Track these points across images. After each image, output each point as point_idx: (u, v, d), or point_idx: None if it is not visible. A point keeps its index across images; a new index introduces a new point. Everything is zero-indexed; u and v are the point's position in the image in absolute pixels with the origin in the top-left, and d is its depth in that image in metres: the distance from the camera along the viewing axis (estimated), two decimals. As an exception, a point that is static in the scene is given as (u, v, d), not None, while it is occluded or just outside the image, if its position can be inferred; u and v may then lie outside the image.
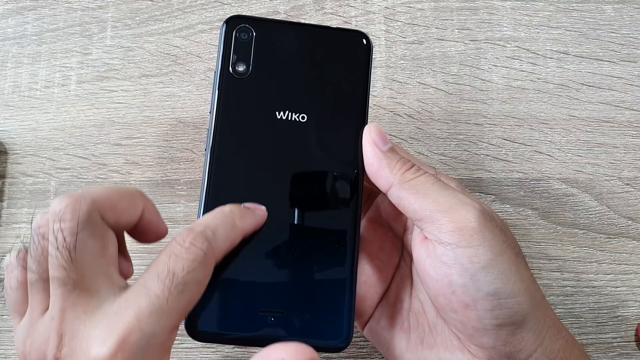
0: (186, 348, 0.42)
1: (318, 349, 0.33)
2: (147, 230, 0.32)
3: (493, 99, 0.47)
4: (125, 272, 0.32)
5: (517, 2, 0.49)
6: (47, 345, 0.27)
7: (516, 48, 0.48)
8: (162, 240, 0.33)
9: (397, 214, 0.36)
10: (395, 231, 0.38)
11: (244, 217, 0.31)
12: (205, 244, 0.29)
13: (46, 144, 0.46)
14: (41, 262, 0.28)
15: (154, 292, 0.27)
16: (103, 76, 0.47)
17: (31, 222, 0.29)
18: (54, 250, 0.27)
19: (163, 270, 0.27)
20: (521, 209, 0.45)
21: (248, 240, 0.32)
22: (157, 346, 0.27)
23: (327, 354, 0.41)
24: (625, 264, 0.44)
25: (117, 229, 0.30)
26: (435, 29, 0.49)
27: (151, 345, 0.27)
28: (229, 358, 0.42)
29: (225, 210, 0.31)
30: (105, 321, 0.27)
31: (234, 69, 0.34)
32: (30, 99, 0.47)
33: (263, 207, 0.33)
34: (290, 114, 0.34)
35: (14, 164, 0.45)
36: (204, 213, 0.32)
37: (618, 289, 0.44)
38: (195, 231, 0.29)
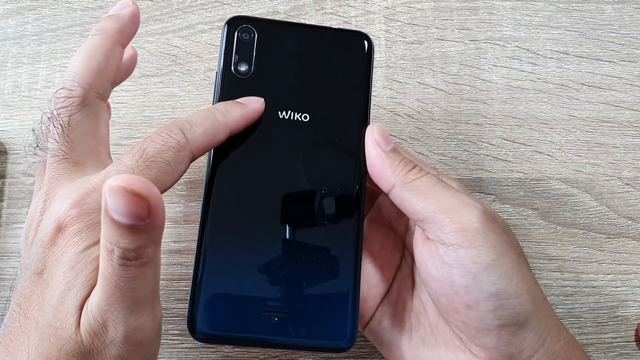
0: (186, 348, 0.42)
1: (322, 349, 0.33)
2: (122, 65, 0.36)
3: (493, 99, 0.47)
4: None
5: (517, 2, 0.49)
6: (36, 210, 0.30)
7: (516, 48, 0.48)
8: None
9: (399, 214, 0.36)
10: (396, 231, 0.38)
11: (228, 112, 0.32)
12: (179, 134, 0.30)
13: (46, 144, 0.45)
14: (44, 142, 0.32)
15: (124, 163, 0.29)
16: (103, 76, 0.47)
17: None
18: (52, 127, 0.31)
19: (137, 148, 0.30)
20: (521, 209, 0.45)
21: (251, 241, 0.32)
22: None
23: (327, 354, 0.41)
24: (625, 264, 0.44)
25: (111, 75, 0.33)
26: (435, 29, 0.49)
27: None
28: (229, 358, 0.42)
29: (209, 107, 0.33)
30: (77, 184, 0.29)
31: (235, 69, 0.34)
32: (30, 99, 0.47)
33: (257, 99, 0.34)
34: (292, 113, 0.34)
35: (14, 164, 0.45)
36: (207, 214, 0.32)
37: (618, 289, 0.44)
38: (175, 123, 0.31)
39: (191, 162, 0.31)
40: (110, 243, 0.25)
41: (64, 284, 0.27)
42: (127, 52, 0.37)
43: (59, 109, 0.31)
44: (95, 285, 0.27)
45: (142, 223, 0.25)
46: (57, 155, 0.31)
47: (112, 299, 0.26)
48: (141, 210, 0.24)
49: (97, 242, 0.28)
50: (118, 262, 0.26)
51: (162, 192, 0.29)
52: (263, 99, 0.34)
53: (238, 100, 0.33)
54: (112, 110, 0.46)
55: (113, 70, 0.33)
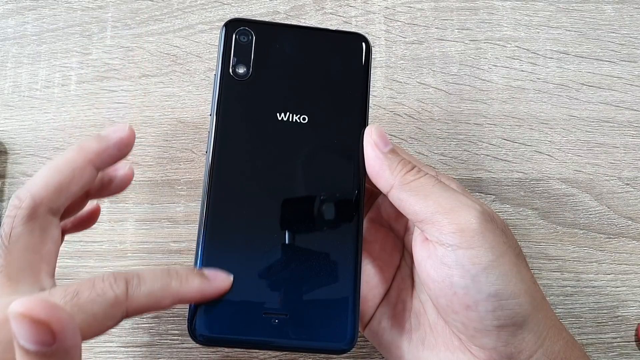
0: (186, 348, 0.42)
1: (322, 351, 0.33)
2: (110, 181, 0.35)
3: (493, 99, 0.47)
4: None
5: (517, 2, 0.49)
6: None
7: (516, 48, 0.48)
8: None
9: (398, 215, 0.36)
10: (396, 232, 0.38)
11: (186, 281, 0.30)
12: (122, 287, 0.28)
13: (46, 144, 0.46)
14: None
15: (53, 297, 0.27)
16: (103, 76, 0.47)
17: None
18: None
19: (72, 289, 0.27)
20: (521, 209, 0.45)
21: (251, 243, 0.32)
22: None
23: (327, 356, 0.41)
24: (625, 264, 0.44)
25: (75, 201, 0.32)
26: (435, 29, 0.49)
27: None
28: (229, 358, 0.42)
29: (169, 270, 0.30)
30: None
31: (234, 71, 0.34)
32: (30, 99, 0.47)
33: (225, 277, 0.31)
34: (291, 115, 0.34)
35: (14, 164, 0.45)
36: (206, 216, 0.32)
37: (618, 289, 0.44)
38: (123, 274, 0.28)
39: (123, 319, 0.28)
40: None
41: None
42: (123, 169, 0.36)
43: (5, 218, 0.30)
44: None
45: (49, 348, 0.23)
46: None
47: None
48: (45, 337, 0.23)
49: None
50: None
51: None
52: (232, 277, 0.31)
53: (205, 271, 0.31)
54: (112, 110, 0.46)
55: (77, 188, 0.31)
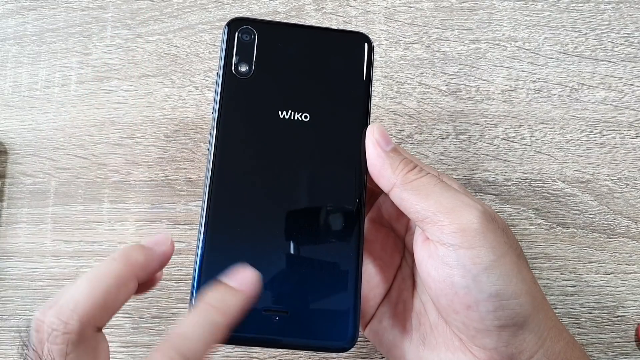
0: (187, 348, 0.42)
1: (322, 349, 0.33)
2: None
3: (493, 99, 0.47)
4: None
5: (517, 2, 0.49)
6: None
7: (516, 48, 0.48)
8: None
9: (399, 215, 0.36)
10: (397, 231, 0.38)
11: (226, 307, 0.29)
12: None
13: (46, 144, 0.45)
14: None
15: None
16: (103, 76, 0.47)
17: (29, 322, 0.28)
18: None
19: None
20: (521, 209, 0.45)
21: (252, 241, 0.32)
22: None
23: (327, 354, 0.41)
24: (625, 264, 0.44)
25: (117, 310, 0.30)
26: (435, 29, 0.49)
27: None
28: (229, 358, 0.42)
29: (205, 307, 0.29)
30: None
31: (236, 69, 0.34)
32: (30, 99, 0.47)
33: (250, 276, 0.31)
34: (293, 113, 0.34)
35: (14, 164, 0.45)
36: (206, 217, 0.32)
37: (618, 289, 0.44)
38: (170, 346, 0.27)
39: None
40: None
41: None
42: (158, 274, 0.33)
43: (51, 345, 0.27)
44: None
45: None
46: None
47: None
48: None
49: None
50: None
51: None
52: (257, 272, 0.30)
53: (230, 282, 0.30)
54: (112, 110, 0.46)
55: (120, 305, 0.29)
